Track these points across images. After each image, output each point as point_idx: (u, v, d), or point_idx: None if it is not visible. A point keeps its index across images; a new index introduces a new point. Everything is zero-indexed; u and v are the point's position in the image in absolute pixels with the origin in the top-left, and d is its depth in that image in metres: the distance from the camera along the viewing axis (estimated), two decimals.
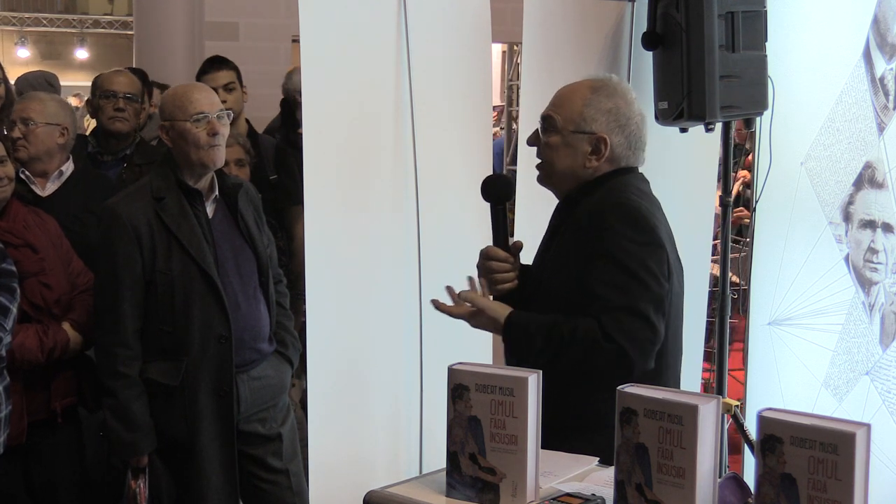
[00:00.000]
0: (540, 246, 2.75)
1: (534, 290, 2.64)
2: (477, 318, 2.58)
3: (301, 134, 5.14)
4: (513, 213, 4.00)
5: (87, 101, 4.62)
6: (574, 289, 2.50)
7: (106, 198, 3.36)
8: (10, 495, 3.24)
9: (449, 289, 2.64)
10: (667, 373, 2.61)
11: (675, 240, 2.64)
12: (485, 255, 2.69)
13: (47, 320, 3.25)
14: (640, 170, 2.70)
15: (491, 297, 2.64)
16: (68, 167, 3.77)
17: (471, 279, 2.65)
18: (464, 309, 2.59)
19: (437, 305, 2.62)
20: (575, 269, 2.51)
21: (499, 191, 2.70)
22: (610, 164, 2.60)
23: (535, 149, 2.70)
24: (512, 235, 3.95)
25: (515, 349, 2.58)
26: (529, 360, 2.48)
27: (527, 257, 2.80)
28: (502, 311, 2.56)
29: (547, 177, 2.66)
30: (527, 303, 2.62)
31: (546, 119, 2.62)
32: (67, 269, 3.35)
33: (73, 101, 12.15)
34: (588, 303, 2.45)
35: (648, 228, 2.50)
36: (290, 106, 5.22)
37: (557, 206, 2.72)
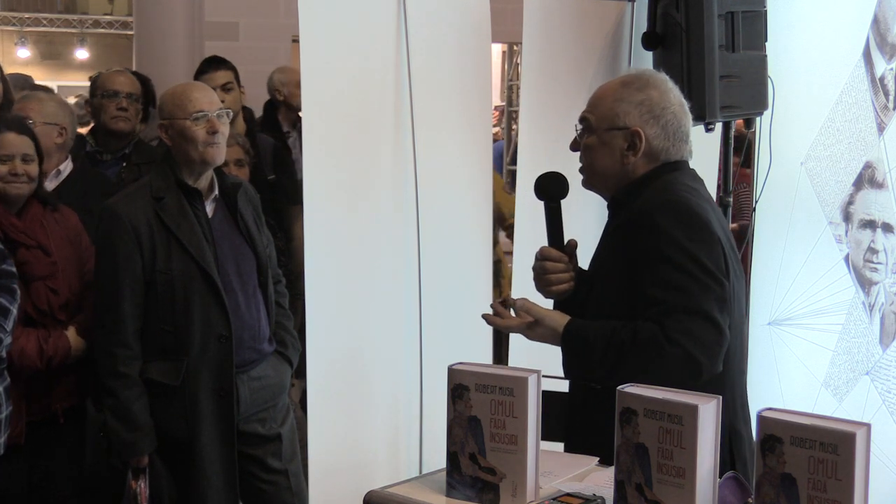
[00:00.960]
0: (595, 252, 2.62)
1: (587, 295, 2.53)
2: (534, 329, 2.44)
3: (287, 133, 5.16)
4: (512, 216, 4.00)
5: (87, 101, 4.62)
6: (627, 293, 2.39)
7: (104, 197, 3.36)
8: (11, 495, 3.24)
9: (497, 304, 2.51)
10: (732, 377, 2.47)
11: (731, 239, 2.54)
12: (540, 256, 2.57)
13: (51, 325, 3.24)
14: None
15: (550, 303, 2.56)
16: (66, 166, 3.78)
17: (518, 303, 2.50)
18: (519, 320, 2.46)
19: (490, 320, 2.50)
20: (627, 272, 2.40)
21: (553, 188, 2.60)
22: (650, 160, 2.50)
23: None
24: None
25: (575, 360, 2.43)
26: (591, 370, 2.39)
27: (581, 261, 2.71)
28: (561, 319, 2.44)
29: (589, 179, 2.57)
30: (582, 307, 2.51)
31: (582, 121, 2.54)
32: (83, 269, 3.34)
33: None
34: (645, 307, 2.33)
35: (700, 224, 2.38)
36: (274, 106, 5.25)
37: (608, 211, 2.62)
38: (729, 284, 2.38)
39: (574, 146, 2.57)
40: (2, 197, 3.24)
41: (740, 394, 2.54)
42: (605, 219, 2.62)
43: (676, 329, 2.28)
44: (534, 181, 2.66)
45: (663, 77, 2.58)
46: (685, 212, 2.39)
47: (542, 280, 2.58)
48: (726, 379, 2.42)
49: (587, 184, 2.59)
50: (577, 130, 2.57)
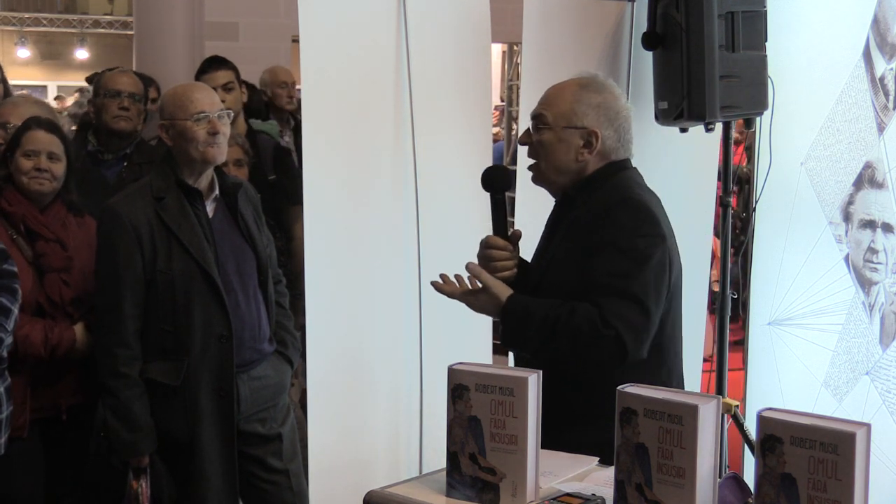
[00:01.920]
0: (539, 244, 2.78)
1: (535, 288, 2.65)
2: (478, 296, 2.59)
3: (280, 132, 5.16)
4: (513, 213, 4.00)
5: (89, 100, 4.62)
6: (579, 283, 2.52)
7: (101, 197, 3.37)
8: (13, 491, 3.24)
9: (444, 276, 2.65)
10: (666, 367, 2.64)
11: (675, 235, 2.69)
12: (484, 244, 2.71)
13: (60, 318, 3.26)
14: (634, 164, 2.75)
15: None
16: None
17: (469, 265, 2.65)
18: (462, 288, 2.61)
19: (437, 287, 2.63)
20: (580, 263, 2.54)
21: (497, 180, 2.73)
22: (601, 158, 2.65)
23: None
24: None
25: (512, 330, 2.58)
26: (526, 340, 2.56)
27: (524, 253, 2.81)
28: (505, 291, 2.58)
29: (540, 174, 2.69)
30: (534, 293, 2.63)
31: (537, 117, 2.66)
32: None
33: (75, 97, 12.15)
34: (588, 290, 2.49)
35: (653, 221, 2.56)
36: (267, 106, 5.26)
37: (555, 206, 2.75)
38: (670, 279, 2.57)
39: (525, 140, 2.70)
40: (26, 192, 3.29)
41: (677, 376, 2.72)
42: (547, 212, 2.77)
43: (611, 312, 2.45)
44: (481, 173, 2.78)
45: (613, 83, 2.74)
46: (642, 209, 2.57)
47: (488, 267, 2.68)
48: (664, 362, 2.62)
49: (537, 179, 2.71)
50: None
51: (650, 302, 2.49)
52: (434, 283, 2.65)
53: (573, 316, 2.46)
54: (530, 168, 2.71)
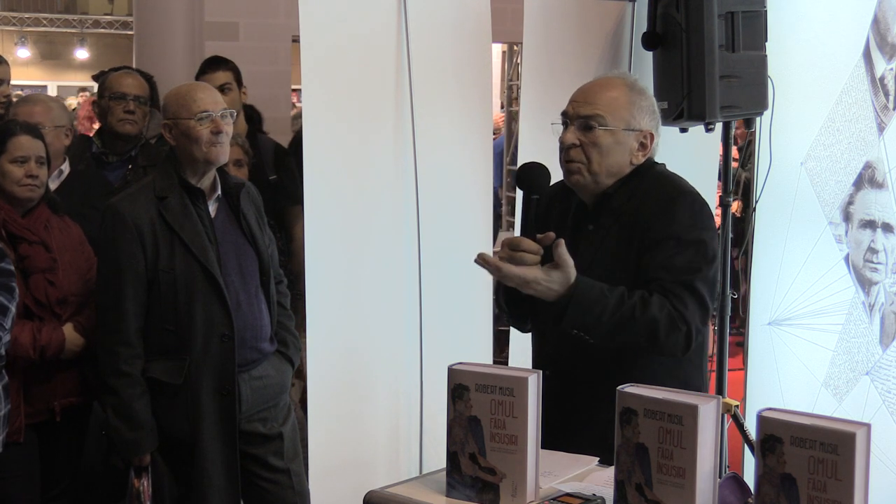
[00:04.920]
0: (579, 241, 2.61)
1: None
2: (551, 273, 2.37)
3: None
4: (512, 213, 3.99)
5: (93, 101, 4.62)
6: (632, 277, 2.49)
7: (104, 193, 3.37)
8: (9, 492, 3.24)
9: (484, 255, 2.45)
10: (705, 367, 2.67)
11: None
12: (512, 245, 2.45)
13: (48, 318, 3.25)
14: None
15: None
16: (66, 166, 3.83)
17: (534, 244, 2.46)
18: (534, 266, 2.38)
19: (500, 266, 2.39)
20: (634, 257, 2.52)
21: (534, 179, 2.56)
22: (643, 158, 2.65)
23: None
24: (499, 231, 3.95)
25: (582, 312, 2.38)
26: (597, 325, 2.40)
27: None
28: (573, 270, 2.40)
29: (590, 174, 2.59)
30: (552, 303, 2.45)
31: (592, 118, 2.58)
32: (84, 276, 3.36)
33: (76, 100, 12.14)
34: (651, 282, 2.45)
35: (711, 215, 2.59)
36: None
37: (578, 204, 2.67)
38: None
39: (572, 139, 2.59)
40: (14, 200, 3.27)
41: (706, 379, 2.79)
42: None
43: (683, 305, 2.43)
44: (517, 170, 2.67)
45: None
46: (699, 203, 2.57)
47: None
48: (703, 361, 2.64)
49: (581, 178, 2.60)
50: (571, 123, 2.60)
51: (710, 299, 2.50)
52: (493, 259, 2.42)
53: (648, 305, 2.41)
54: (574, 168, 2.60)
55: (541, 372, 2.00)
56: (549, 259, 2.40)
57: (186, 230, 3.15)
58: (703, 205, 2.58)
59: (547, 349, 2.69)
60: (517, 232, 3.39)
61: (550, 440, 2.24)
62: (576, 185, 2.64)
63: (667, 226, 2.50)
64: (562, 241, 2.38)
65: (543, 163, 2.59)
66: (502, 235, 5.60)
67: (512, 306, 2.72)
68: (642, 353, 2.49)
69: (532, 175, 2.57)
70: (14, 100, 4.45)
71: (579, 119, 2.60)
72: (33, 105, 3.80)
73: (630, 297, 2.42)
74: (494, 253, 2.84)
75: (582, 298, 2.39)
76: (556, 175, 2.64)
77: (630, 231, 2.55)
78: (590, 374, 2.54)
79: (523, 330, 2.84)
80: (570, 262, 2.38)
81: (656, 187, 2.59)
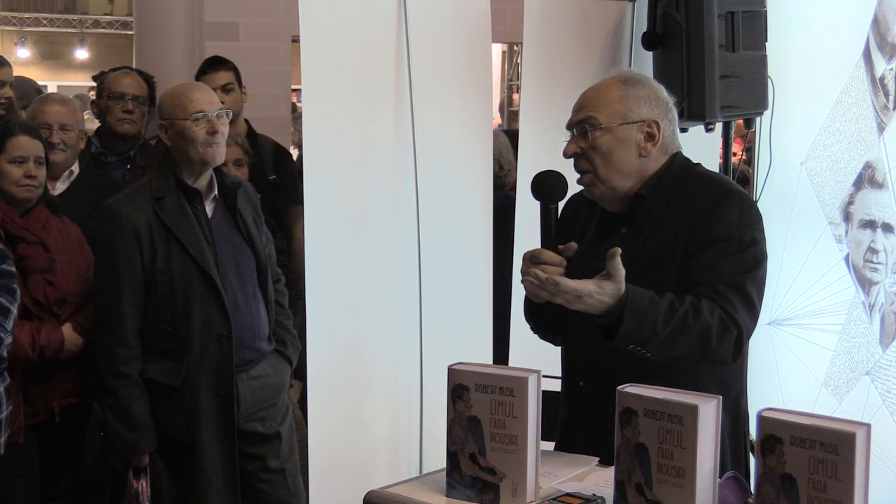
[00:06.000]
0: (582, 251, 2.42)
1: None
2: (603, 284, 2.23)
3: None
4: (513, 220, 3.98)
5: (92, 102, 4.62)
6: (677, 282, 2.36)
7: (105, 199, 3.37)
8: (9, 493, 3.24)
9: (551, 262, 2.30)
10: (745, 374, 2.56)
11: None
12: (534, 259, 2.32)
13: (47, 318, 3.25)
14: None
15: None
16: (76, 167, 3.84)
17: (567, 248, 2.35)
18: (587, 282, 2.23)
19: (557, 281, 2.24)
20: (679, 261, 2.39)
21: (550, 188, 2.38)
22: (662, 153, 2.49)
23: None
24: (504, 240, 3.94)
25: (638, 323, 2.24)
26: (652, 335, 2.25)
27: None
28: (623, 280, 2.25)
29: (600, 182, 2.47)
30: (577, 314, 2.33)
31: (585, 121, 2.46)
32: (83, 276, 3.36)
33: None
34: (700, 286, 2.33)
35: (759, 215, 2.46)
36: None
37: (604, 213, 2.54)
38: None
39: (573, 150, 2.48)
40: (13, 200, 3.27)
41: (745, 388, 2.60)
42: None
43: (734, 309, 2.31)
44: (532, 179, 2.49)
45: (648, 76, 2.61)
46: (749, 202, 2.46)
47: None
48: (744, 367, 2.52)
49: (595, 189, 2.49)
50: (572, 134, 2.50)
51: (759, 301, 2.38)
52: (545, 276, 2.25)
53: (700, 311, 2.27)
54: (586, 181, 2.48)
55: (540, 371, 2.00)
56: (570, 271, 2.29)
57: (183, 231, 3.15)
58: (752, 203, 2.46)
59: (580, 360, 2.53)
60: (516, 233, 3.34)
61: (594, 453, 2.24)
62: (596, 198, 2.52)
63: (716, 226, 2.37)
64: (617, 250, 2.23)
65: (544, 164, 2.53)
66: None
67: (536, 318, 2.61)
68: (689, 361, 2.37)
69: (547, 184, 2.39)
70: (17, 99, 4.44)
71: (575, 126, 2.49)
72: (61, 105, 3.79)
73: (680, 302, 2.28)
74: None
75: (635, 306, 2.24)
76: (571, 180, 2.49)
77: (673, 235, 2.41)
78: (631, 382, 2.37)
79: (556, 343, 2.66)
80: (622, 272, 2.23)
81: (702, 189, 2.45)
